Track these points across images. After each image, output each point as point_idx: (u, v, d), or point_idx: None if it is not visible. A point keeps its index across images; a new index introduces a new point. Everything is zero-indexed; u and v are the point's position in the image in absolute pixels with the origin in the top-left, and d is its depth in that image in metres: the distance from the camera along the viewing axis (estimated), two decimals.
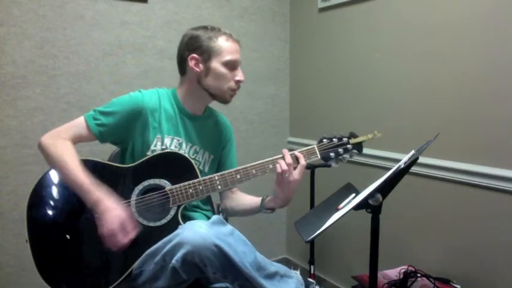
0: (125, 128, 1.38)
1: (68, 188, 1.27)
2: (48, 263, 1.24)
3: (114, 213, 1.20)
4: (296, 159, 1.36)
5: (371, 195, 1.14)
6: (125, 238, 1.20)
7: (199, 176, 1.35)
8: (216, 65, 1.38)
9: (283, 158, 1.35)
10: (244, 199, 1.54)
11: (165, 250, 1.17)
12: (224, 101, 1.44)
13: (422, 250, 1.87)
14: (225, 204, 1.57)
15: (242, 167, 1.36)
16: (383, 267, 1.62)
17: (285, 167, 1.32)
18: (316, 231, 1.13)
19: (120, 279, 1.24)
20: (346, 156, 1.41)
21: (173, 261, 1.14)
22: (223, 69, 1.39)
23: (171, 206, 1.31)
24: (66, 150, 1.29)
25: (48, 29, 1.91)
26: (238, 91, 1.45)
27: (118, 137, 1.41)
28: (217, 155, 1.54)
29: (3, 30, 1.82)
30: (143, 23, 2.13)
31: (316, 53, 2.44)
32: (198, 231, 1.14)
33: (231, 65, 1.40)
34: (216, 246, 1.12)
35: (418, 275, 1.65)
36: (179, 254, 1.13)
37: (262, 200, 1.45)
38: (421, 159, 1.62)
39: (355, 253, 2.21)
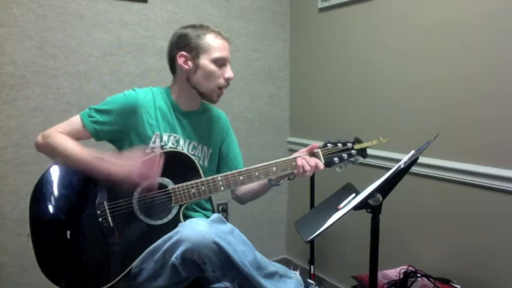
0: (120, 126, 1.39)
1: (70, 185, 1.28)
2: (49, 258, 1.25)
3: (129, 162, 1.25)
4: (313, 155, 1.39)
5: (371, 195, 1.14)
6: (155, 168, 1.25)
7: (203, 176, 1.35)
8: (204, 62, 1.39)
9: (307, 156, 1.37)
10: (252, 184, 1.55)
11: (165, 247, 1.17)
12: (211, 99, 1.45)
13: (422, 250, 1.87)
14: (236, 194, 1.58)
15: (245, 169, 1.37)
16: (383, 267, 1.62)
17: (308, 168, 1.34)
18: (316, 231, 1.13)
19: (119, 277, 1.24)
20: (350, 161, 1.42)
21: (172, 258, 1.14)
22: (212, 66, 1.39)
23: (173, 205, 1.32)
24: (65, 138, 1.32)
25: (48, 29, 1.91)
26: (226, 89, 1.45)
27: (113, 135, 1.41)
28: (215, 149, 1.54)
29: (3, 30, 1.82)
30: (143, 23, 2.14)
31: (316, 53, 2.44)
32: (197, 229, 1.14)
33: (220, 62, 1.40)
34: (216, 244, 1.12)
35: (418, 275, 1.65)
36: (178, 251, 1.13)
37: (269, 180, 1.46)
38: (421, 159, 1.62)
39: (355, 253, 2.21)
